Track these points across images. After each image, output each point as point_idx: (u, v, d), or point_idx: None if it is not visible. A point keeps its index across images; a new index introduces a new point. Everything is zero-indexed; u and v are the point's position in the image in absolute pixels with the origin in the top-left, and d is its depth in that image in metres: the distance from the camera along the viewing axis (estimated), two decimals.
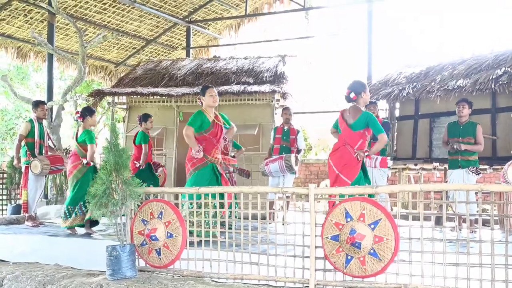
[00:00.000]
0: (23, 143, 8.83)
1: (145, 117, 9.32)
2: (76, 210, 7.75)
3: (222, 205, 5.49)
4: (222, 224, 5.45)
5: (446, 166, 8.93)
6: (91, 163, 7.86)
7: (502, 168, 9.45)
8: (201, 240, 5.56)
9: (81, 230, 7.86)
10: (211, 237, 5.44)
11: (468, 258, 4.44)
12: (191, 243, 5.57)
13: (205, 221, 5.55)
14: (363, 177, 6.16)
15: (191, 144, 6.76)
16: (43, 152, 8.90)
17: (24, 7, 13.46)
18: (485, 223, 8.01)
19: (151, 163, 9.39)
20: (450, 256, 4.53)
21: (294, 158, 8.93)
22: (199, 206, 5.79)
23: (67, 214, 7.77)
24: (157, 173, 9.49)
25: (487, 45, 17.48)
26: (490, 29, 21.11)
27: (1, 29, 13.94)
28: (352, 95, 6.17)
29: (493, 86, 8.75)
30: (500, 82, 8.71)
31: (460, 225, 7.74)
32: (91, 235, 7.62)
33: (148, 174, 9.08)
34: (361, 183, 6.04)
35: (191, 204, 5.83)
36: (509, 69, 8.85)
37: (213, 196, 5.47)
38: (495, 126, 9.19)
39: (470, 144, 8.03)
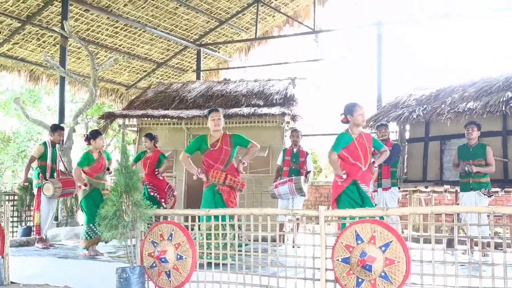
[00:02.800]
0: (35, 165, 8.89)
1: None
2: (88, 231, 7.81)
3: (231, 227, 5.47)
4: (232, 246, 5.44)
5: (457, 188, 8.87)
6: (82, 186, 7.89)
7: None
8: (210, 262, 5.54)
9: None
10: (221, 259, 5.42)
11: (480, 282, 4.39)
12: (201, 265, 5.55)
13: (215, 243, 5.54)
14: (352, 202, 6.07)
15: (188, 168, 7.08)
16: (55, 175, 8.96)
17: (37, 31, 13.65)
18: (498, 246, 7.91)
19: (168, 186, 9.42)
20: (462, 280, 4.48)
21: (304, 180, 8.92)
22: (209, 228, 5.78)
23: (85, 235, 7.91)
24: (169, 197, 9.48)
25: (497, 67, 17.48)
26: (500, 51, 21.12)
27: (15, 53, 14.12)
28: (342, 117, 6.36)
29: (503, 109, 8.72)
30: (511, 105, 8.68)
31: (472, 248, 7.66)
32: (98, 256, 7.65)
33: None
34: (354, 206, 5.98)
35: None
36: None
37: (208, 218, 5.52)
38: (506, 148, 9.13)
39: (481, 166, 8.00)
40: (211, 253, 5.51)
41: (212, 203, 6.80)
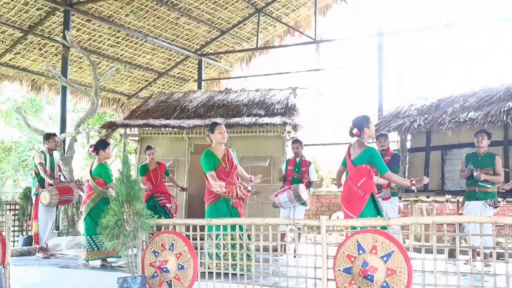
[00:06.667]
0: (33, 173, 8.92)
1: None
2: (91, 242, 7.80)
3: (233, 237, 5.47)
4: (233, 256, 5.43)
5: (459, 198, 8.85)
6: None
7: None
8: (212, 272, 5.53)
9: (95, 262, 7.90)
10: (223, 269, 5.41)
11: None
12: (203, 275, 5.54)
13: (216, 253, 5.53)
14: (374, 213, 5.98)
15: (217, 187, 6.61)
16: (53, 184, 8.97)
17: (39, 41, 13.71)
18: (500, 256, 7.90)
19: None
20: None
21: (303, 188, 8.89)
22: (212, 238, 5.77)
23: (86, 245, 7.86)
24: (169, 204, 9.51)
25: (499, 77, 17.53)
26: (501, 61, 21.17)
27: (16, 62, 14.18)
28: (355, 130, 5.97)
29: (504, 118, 8.73)
30: None
31: (474, 258, 7.63)
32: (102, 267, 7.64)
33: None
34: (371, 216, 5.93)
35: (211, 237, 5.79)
36: None
37: (224, 228, 5.47)
38: (508, 158, 9.13)
39: (488, 175, 7.92)
40: (212, 263, 5.50)
41: (228, 216, 6.71)
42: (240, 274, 5.32)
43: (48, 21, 13.11)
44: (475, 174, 7.83)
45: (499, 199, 8.82)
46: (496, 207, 7.87)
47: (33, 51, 13.98)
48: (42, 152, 9.01)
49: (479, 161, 7.99)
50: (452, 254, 7.96)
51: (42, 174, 8.78)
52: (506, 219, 4.49)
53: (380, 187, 8.72)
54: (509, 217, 4.57)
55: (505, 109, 8.83)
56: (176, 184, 10.06)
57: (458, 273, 4.52)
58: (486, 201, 7.85)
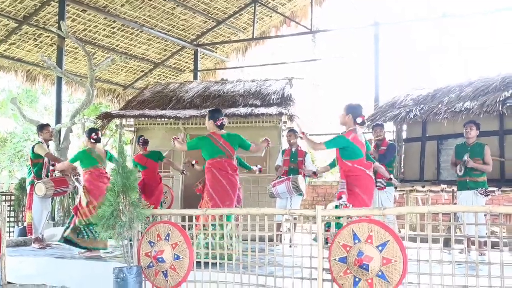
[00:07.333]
0: (29, 163, 8.90)
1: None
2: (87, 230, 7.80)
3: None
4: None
5: (454, 188, 8.89)
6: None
7: (510, 190, 9.43)
8: (208, 262, 5.54)
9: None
10: (218, 259, 5.42)
11: (477, 281, 4.40)
12: (198, 265, 5.55)
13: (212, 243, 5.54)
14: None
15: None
16: (49, 174, 8.96)
17: (34, 31, 13.64)
18: (494, 245, 7.93)
19: None
20: (459, 279, 4.49)
21: (302, 179, 8.91)
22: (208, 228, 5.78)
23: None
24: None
25: (494, 67, 17.52)
26: (497, 51, 21.16)
27: (11, 53, 14.11)
28: (360, 119, 6.28)
29: (500, 108, 8.73)
30: (508, 104, 8.68)
31: (469, 247, 7.67)
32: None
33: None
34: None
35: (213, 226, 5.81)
36: None
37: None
38: (503, 148, 9.14)
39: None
40: (207, 253, 5.51)
41: None
42: (236, 264, 5.33)
43: (43, 11, 13.05)
44: (464, 158, 7.92)
45: (494, 188, 8.88)
46: (487, 195, 7.97)
47: (28, 41, 13.92)
48: (41, 142, 8.98)
49: (469, 151, 8.11)
50: (447, 243, 7.99)
51: (52, 160, 8.85)
52: (501, 208, 4.51)
53: (375, 177, 8.76)
54: (503, 207, 4.58)
55: (501, 99, 8.83)
56: (176, 167, 10.08)
57: (453, 262, 4.54)
58: (477, 190, 7.96)
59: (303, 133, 6.30)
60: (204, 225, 5.86)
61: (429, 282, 4.51)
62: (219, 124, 7.05)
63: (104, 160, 8.20)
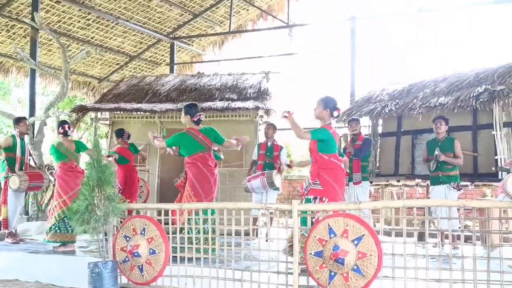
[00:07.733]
0: (2, 157, 8.76)
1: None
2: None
3: (205, 221, 5.46)
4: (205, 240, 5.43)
5: (428, 182, 9.00)
6: None
7: (483, 185, 9.57)
8: (184, 257, 5.52)
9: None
10: (194, 253, 5.41)
11: (450, 274, 4.47)
12: (174, 260, 5.53)
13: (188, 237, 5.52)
14: None
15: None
16: (24, 168, 8.83)
17: (6, 22, 13.41)
18: (467, 239, 8.05)
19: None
20: (433, 272, 4.55)
21: (276, 174, 8.93)
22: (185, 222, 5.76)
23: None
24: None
25: (470, 62, 17.72)
26: (473, 46, 21.38)
27: None
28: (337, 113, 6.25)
29: (474, 104, 8.85)
30: (481, 100, 8.80)
31: (443, 241, 7.77)
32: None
33: None
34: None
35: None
36: (489, 86, 8.95)
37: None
38: (476, 143, 9.28)
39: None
40: (183, 247, 5.50)
41: None
42: (212, 258, 5.33)
43: (16, 2, 12.81)
44: (436, 153, 8.03)
45: (467, 183, 9.00)
46: (459, 190, 8.09)
47: (0, 32, 13.67)
48: (13, 136, 8.85)
49: (440, 146, 8.25)
50: (421, 237, 8.10)
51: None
52: (474, 203, 4.58)
53: (351, 171, 8.83)
54: (476, 201, 4.65)
55: (474, 95, 8.95)
56: (142, 155, 10.21)
57: (427, 255, 4.60)
58: (449, 184, 8.07)
59: (289, 112, 6.15)
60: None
61: (404, 276, 4.56)
62: (196, 120, 7.03)
63: (73, 153, 8.11)
